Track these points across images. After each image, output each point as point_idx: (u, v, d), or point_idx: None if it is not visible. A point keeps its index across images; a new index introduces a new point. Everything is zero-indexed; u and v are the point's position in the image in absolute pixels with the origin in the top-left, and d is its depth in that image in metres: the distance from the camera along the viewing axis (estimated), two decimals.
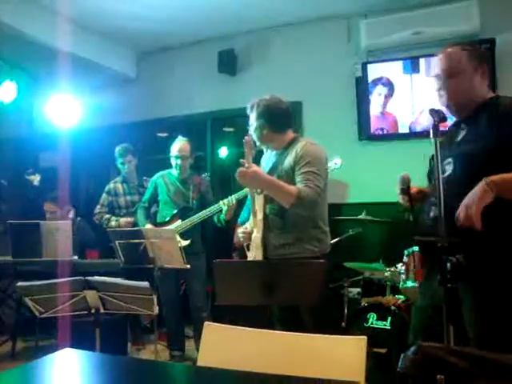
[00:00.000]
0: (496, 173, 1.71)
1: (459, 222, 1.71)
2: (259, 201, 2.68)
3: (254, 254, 2.69)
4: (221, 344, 1.59)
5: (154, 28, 5.01)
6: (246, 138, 2.63)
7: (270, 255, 2.63)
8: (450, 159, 1.92)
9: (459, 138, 1.96)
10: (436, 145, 1.56)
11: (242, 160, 2.57)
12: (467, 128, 1.96)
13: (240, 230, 2.86)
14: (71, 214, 4.52)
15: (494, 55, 4.15)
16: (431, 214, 1.91)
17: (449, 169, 1.91)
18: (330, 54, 4.83)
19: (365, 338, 1.37)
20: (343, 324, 3.51)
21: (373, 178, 4.32)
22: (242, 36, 5.20)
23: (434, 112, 1.72)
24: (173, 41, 5.41)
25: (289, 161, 2.63)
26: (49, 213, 4.58)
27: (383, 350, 3.14)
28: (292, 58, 5.01)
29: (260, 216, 2.65)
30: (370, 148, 4.58)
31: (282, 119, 2.72)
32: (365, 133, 4.65)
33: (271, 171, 2.68)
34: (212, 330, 1.62)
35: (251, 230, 2.76)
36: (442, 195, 1.54)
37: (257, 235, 2.67)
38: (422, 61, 4.48)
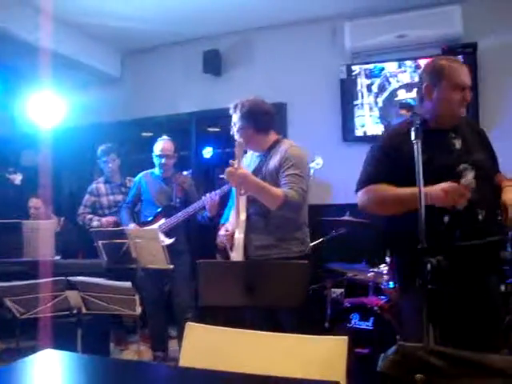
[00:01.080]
0: None
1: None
2: (242, 201, 2.68)
3: (236, 254, 2.68)
4: (203, 344, 1.59)
5: (139, 27, 4.98)
6: (238, 139, 2.63)
7: (251, 256, 2.63)
8: (465, 165, 2.00)
9: (457, 145, 2.04)
10: (417, 147, 1.58)
11: (231, 161, 2.57)
12: (459, 137, 2.05)
13: (222, 232, 2.85)
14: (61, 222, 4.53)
15: (476, 60, 4.21)
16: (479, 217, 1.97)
17: (468, 174, 1.99)
18: (314, 55, 4.85)
19: (345, 338, 1.39)
20: (326, 324, 3.52)
21: (356, 179, 4.33)
22: (227, 36, 5.19)
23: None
24: (158, 40, 5.38)
25: (273, 163, 2.63)
26: (33, 208, 4.54)
27: (366, 351, 3.16)
28: (277, 59, 5.02)
29: (243, 217, 2.65)
30: (355, 149, 4.60)
31: (265, 120, 2.73)
32: (349, 134, 4.69)
33: (254, 173, 2.68)
34: (194, 331, 1.62)
35: (233, 230, 2.75)
36: (422, 197, 1.55)
37: (239, 236, 2.67)
38: (407, 63, 4.53)
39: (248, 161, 2.84)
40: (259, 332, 1.52)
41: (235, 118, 2.74)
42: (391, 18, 4.47)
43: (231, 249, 2.79)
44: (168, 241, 3.70)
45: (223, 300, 2.39)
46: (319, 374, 1.39)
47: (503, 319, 2.23)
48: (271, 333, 1.53)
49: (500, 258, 2.06)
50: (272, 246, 2.61)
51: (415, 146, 1.60)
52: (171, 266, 3.40)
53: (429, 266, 1.43)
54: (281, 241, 2.61)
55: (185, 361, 1.57)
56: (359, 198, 2.14)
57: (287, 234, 2.62)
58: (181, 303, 3.90)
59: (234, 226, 2.77)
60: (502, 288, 2.86)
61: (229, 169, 2.51)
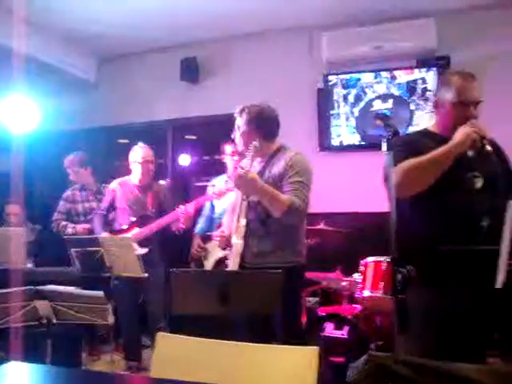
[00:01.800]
0: None
1: None
2: (244, 206, 2.65)
3: (233, 261, 2.64)
4: (173, 354, 1.57)
5: (116, 33, 4.95)
6: (254, 142, 2.60)
7: (247, 263, 2.59)
8: (476, 173, 2.07)
9: (470, 153, 2.08)
10: (389, 158, 1.60)
11: (240, 164, 2.58)
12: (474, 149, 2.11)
13: (216, 233, 2.81)
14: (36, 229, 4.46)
15: None
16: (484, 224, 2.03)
17: (477, 181, 2.07)
18: (291, 64, 4.89)
19: (316, 348, 1.38)
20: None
21: (332, 189, 4.38)
22: (205, 44, 5.20)
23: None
24: (135, 47, 5.36)
25: (277, 169, 2.62)
26: (12, 215, 4.46)
27: (340, 359, 3.17)
28: (254, 68, 5.04)
29: (243, 222, 2.62)
30: (331, 158, 4.65)
31: (273, 127, 2.74)
32: (325, 143, 4.72)
33: None
34: (164, 341, 1.60)
35: (229, 234, 2.72)
36: (394, 205, 1.57)
37: (238, 241, 2.62)
38: (383, 74, 4.60)
39: (244, 165, 2.83)
40: (230, 342, 1.51)
41: (240, 121, 2.73)
42: (368, 30, 4.54)
43: (225, 249, 2.77)
44: (142, 250, 3.65)
45: (196, 309, 2.38)
46: None
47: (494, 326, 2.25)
48: (243, 343, 1.52)
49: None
50: (269, 254, 2.59)
51: (386, 157, 1.61)
52: (145, 275, 3.36)
53: (399, 276, 1.45)
54: (278, 248, 2.59)
55: (155, 371, 1.55)
56: (391, 182, 1.91)
57: (284, 242, 2.60)
58: (154, 312, 3.85)
59: (230, 230, 2.73)
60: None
61: (239, 172, 2.50)
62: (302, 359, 1.39)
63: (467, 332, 1.93)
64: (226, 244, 2.74)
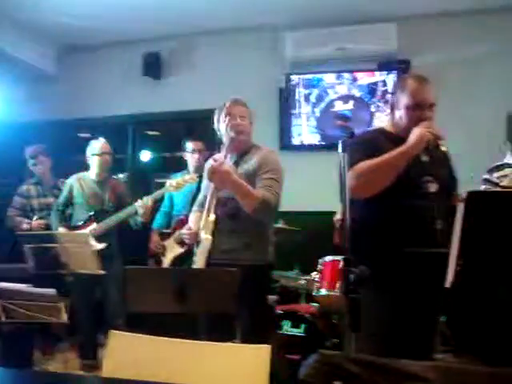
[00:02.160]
0: None
1: None
2: (213, 201, 2.60)
3: (200, 257, 2.59)
4: (127, 353, 1.55)
5: (78, 24, 4.82)
6: (232, 135, 2.58)
7: (215, 260, 2.55)
8: (429, 177, 2.12)
9: (424, 158, 2.15)
10: (343, 160, 1.62)
11: (214, 156, 2.56)
12: (426, 151, 2.15)
13: (184, 230, 2.76)
14: None
15: None
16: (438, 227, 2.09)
17: (431, 186, 2.12)
18: (255, 63, 4.89)
19: (269, 346, 1.39)
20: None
21: (291, 187, 4.39)
22: (169, 40, 5.14)
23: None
24: (97, 39, 5.24)
25: (251, 165, 2.61)
26: None
27: (297, 357, 3.20)
28: (218, 65, 5.03)
29: (212, 217, 2.58)
30: (291, 157, 4.67)
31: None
32: (286, 142, 4.75)
33: None
34: (118, 339, 1.58)
35: (197, 230, 2.66)
36: (348, 207, 1.59)
37: (206, 237, 2.57)
38: (345, 75, 4.66)
39: (218, 158, 2.80)
40: (183, 340, 1.50)
41: (246, 113, 2.75)
42: (331, 31, 4.59)
43: (197, 246, 2.74)
44: (99, 246, 3.60)
45: (152, 307, 2.36)
46: (242, 383, 1.39)
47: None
48: (196, 341, 1.51)
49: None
50: (238, 251, 2.56)
51: (341, 160, 1.64)
52: (102, 271, 3.31)
53: (352, 276, 1.47)
54: (247, 245, 2.58)
55: (107, 371, 1.53)
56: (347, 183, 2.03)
57: (253, 239, 2.60)
58: (111, 309, 3.80)
59: (196, 225, 2.69)
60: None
61: (213, 164, 2.46)
62: (255, 357, 1.40)
63: (417, 331, 1.99)
64: (196, 240, 2.68)
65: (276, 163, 2.67)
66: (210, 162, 2.62)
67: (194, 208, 2.88)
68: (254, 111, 2.82)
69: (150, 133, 5.65)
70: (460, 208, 1.74)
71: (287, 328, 3.30)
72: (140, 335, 1.57)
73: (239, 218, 2.57)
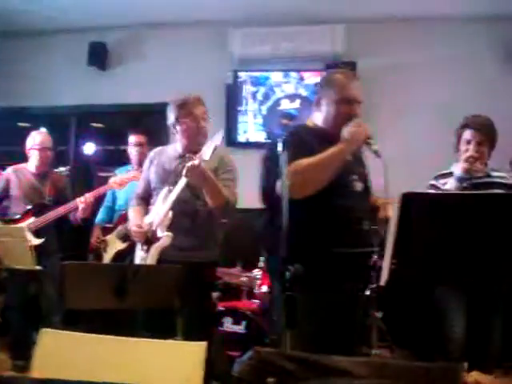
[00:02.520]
0: None
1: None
2: (171, 199, 2.56)
3: (153, 253, 2.57)
4: (58, 352, 1.51)
5: (18, 8, 4.62)
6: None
7: (168, 256, 2.53)
8: (355, 176, 2.13)
9: (348, 156, 2.10)
10: (284, 158, 1.64)
11: (188, 155, 2.55)
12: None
13: (134, 228, 2.69)
14: None
15: None
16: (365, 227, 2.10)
17: (357, 185, 2.14)
18: (203, 58, 4.85)
19: (204, 343, 1.39)
20: None
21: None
22: (116, 30, 5.02)
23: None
24: (39, 24, 4.99)
25: (209, 166, 2.55)
26: None
27: (238, 354, 3.22)
28: (166, 58, 4.95)
29: (170, 215, 2.56)
30: (237, 154, 4.64)
31: None
32: (232, 139, 4.75)
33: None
34: (49, 337, 1.53)
35: (149, 227, 2.62)
36: (286, 205, 1.61)
37: (168, 234, 2.55)
38: (292, 74, 4.70)
39: (167, 160, 2.77)
40: (117, 337, 1.47)
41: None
42: (279, 30, 4.63)
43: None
44: (36, 241, 3.48)
45: (90, 303, 2.33)
46: (177, 381, 1.38)
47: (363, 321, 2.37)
48: (129, 338, 1.49)
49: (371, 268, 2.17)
50: (193, 249, 2.58)
51: (281, 158, 1.66)
52: (38, 267, 3.20)
53: (287, 273, 1.50)
54: (203, 245, 2.62)
55: (37, 371, 1.48)
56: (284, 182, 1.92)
57: (208, 238, 2.65)
58: (49, 306, 3.68)
59: (138, 221, 2.68)
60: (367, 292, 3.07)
61: (192, 163, 2.40)
62: (190, 354, 1.40)
63: (349, 328, 2.04)
64: (146, 238, 2.65)
65: (233, 163, 2.74)
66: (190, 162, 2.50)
67: (133, 203, 2.84)
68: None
69: (94, 125, 5.50)
70: (395, 208, 1.79)
71: (228, 325, 3.32)
72: (73, 333, 1.54)
73: (197, 218, 2.60)
